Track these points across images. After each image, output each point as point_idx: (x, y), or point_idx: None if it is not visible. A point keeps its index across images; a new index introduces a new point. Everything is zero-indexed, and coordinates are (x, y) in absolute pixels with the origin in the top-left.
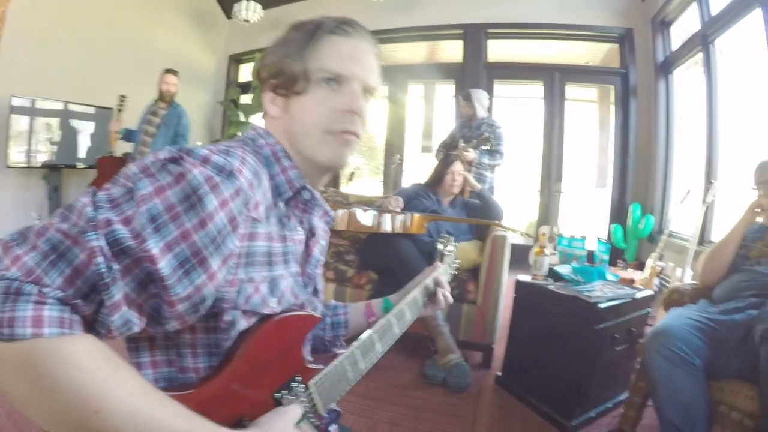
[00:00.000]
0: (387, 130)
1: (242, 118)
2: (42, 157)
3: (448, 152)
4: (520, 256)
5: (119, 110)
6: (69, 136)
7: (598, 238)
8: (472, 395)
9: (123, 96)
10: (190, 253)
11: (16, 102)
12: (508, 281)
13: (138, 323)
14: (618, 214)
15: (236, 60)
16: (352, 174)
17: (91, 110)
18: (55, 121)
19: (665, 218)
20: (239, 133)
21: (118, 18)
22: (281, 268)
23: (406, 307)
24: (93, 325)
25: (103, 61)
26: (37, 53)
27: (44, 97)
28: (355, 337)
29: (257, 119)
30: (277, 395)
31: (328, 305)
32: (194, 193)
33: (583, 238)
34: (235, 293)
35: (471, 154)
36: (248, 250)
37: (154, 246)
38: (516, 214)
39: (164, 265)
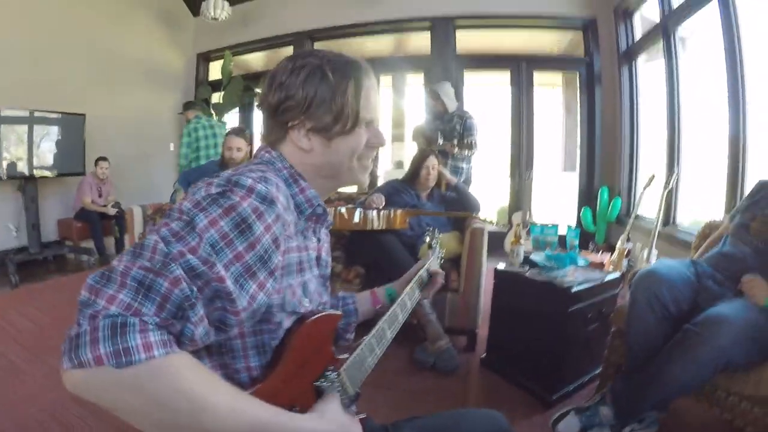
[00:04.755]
0: None
1: (214, 117)
2: (13, 168)
3: (427, 146)
4: (497, 243)
5: None
6: (38, 145)
7: (569, 226)
8: (461, 376)
9: None
10: (244, 270)
11: None
12: (487, 268)
13: (211, 336)
14: (587, 198)
15: (205, 58)
16: None
17: (57, 116)
18: (22, 131)
19: (633, 201)
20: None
21: (81, 21)
22: (308, 273)
23: (406, 298)
24: (180, 340)
25: (66, 65)
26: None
27: (9, 107)
28: (364, 323)
29: (233, 119)
30: (316, 383)
31: (337, 297)
32: (244, 222)
33: (555, 226)
34: (281, 298)
35: (454, 149)
36: (286, 262)
37: (220, 268)
38: (489, 201)
39: (230, 282)
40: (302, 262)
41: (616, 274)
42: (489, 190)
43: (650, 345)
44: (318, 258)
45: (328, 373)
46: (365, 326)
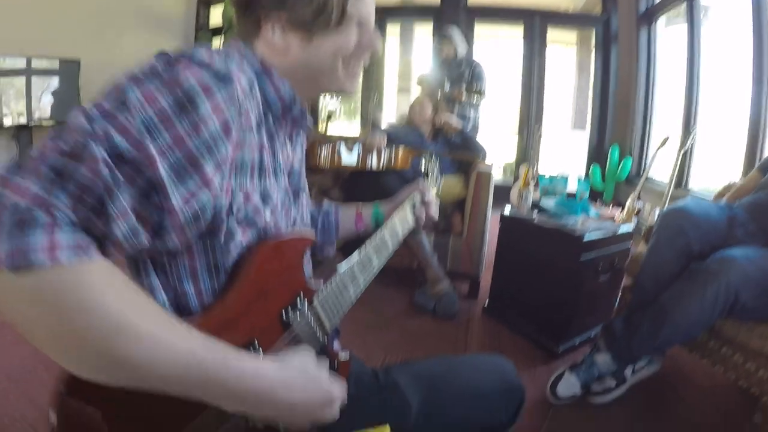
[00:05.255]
0: (363, 71)
1: None
2: (9, 118)
3: (432, 92)
4: (502, 196)
5: None
6: (40, 99)
7: (579, 177)
8: (462, 323)
9: None
10: (185, 158)
11: None
12: (492, 218)
13: (144, 234)
14: (597, 156)
15: (205, 3)
16: (329, 116)
17: (55, 64)
18: (19, 80)
19: (644, 162)
20: None
21: None
22: (272, 181)
23: (397, 224)
24: (104, 245)
25: (58, 8)
26: None
27: (6, 55)
28: (344, 243)
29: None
30: (284, 315)
31: (320, 208)
32: (188, 98)
33: (565, 177)
34: (229, 202)
35: (462, 95)
36: (240, 159)
37: (153, 152)
38: (495, 155)
39: (162, 170)
40: (264, 164)
41: (630, 227)
42: (496, 145)
43: (661, 281)
44: (291, 170)
45: (299, 303)
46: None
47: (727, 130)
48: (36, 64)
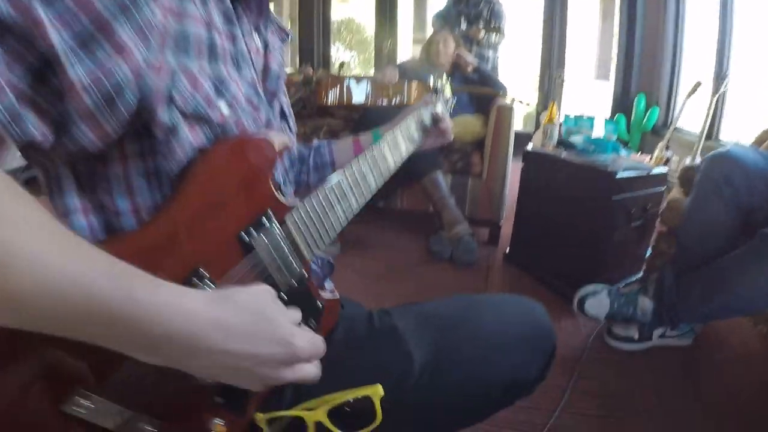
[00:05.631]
0: (375, 21)
1: None
2: None
3: (448, 27)
4: (523, 143)
5: None
6: None
7: (605, 119)
8: (481, 270)
9: None
10: (91, 21)
11: None
12: (512, 166)
13: (37, 127)
14: (621, 105)
15: None
16: (341, 66)
17: None
18: None
19: (672, 112)
20: None
21: None
22: (230, 69)
23: (400, 136)
24: None
25: None
26: None
27: None
28: None
29: None
30: (244, 236)
31: (310, 145)
32: None
33: (591, 118)
34: (167, 85)
35: (480, 33)
36: (178, 31)
37: (43, 16)
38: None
39: (58, 39)
40: (215, 46)
41: (664, 169)
42: (517, 88)
43: (710, 240)
44: (266, 69)
45: (265, 221)
46: None
47: (764, 75)
48: None
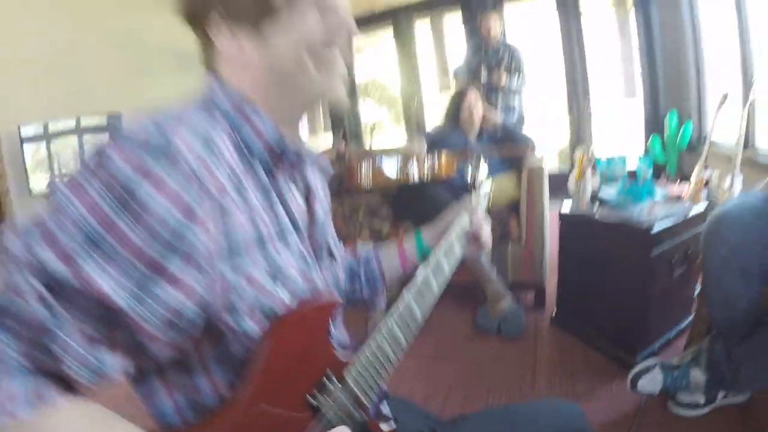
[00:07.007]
0: (400, 75)
1: None
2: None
3: (470, 79)
4: (558, 185)
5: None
6: (88, 153)
7: (639, 156)
8: (529, 339)
9: None
10: (144, 265)
11: (26, 131)
12: (550, 214)
13: (113, 362)
14: (653, 125)
15: None
16: (372, 128)
17: (103, 120)
18: (71, 140)
19: (704, 126)
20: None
21: (101, 17)
22: (279, 247)
23: (443, 259)
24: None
25: (97, 66)
26: (30, 75)
27: (55, 118)
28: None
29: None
30: (311, 400)
31: (359, 258)
32: (127, 191)
33: (623, 158)
34: (226, 294)
35: (503, 79)
36: (227, 239)
37: (92, 270)
38: (547, 141)
39: (112, 289)
40: (262, 235)
41: (702, 207)
42: (546, 130)
43: (736, 314)
44: (311, 222)
45: (327, 383)
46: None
47: None
48: (85, 122)
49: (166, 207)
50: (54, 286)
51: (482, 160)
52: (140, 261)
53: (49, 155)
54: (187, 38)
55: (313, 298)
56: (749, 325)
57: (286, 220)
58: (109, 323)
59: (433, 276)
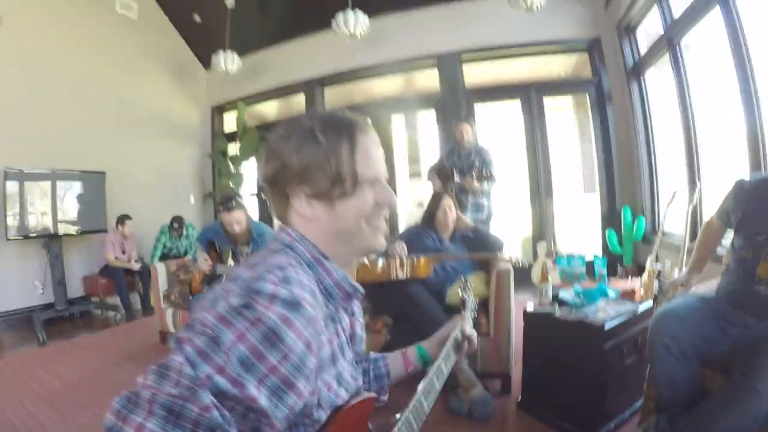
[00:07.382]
0: None
1: (232, 169)
2: (38, 225)
3: (443, 182)
4: (523, 276)
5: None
6: (62, 204)
7: (595, 255)
8: (497, 422)
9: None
10: (281, 382)
11: (6, 173)
12: (516, 305)
13: None
14: (610, 219)
15: (219, 110)
16: None
17: (78, 174)
18: (46, 190)
19: (657, 219)
20: (240, 198)
21: (94, 74)
22: (342, 361)
23: (442, 364)
24: None
25: (84, 121)
26: (14, 125)
27: (33, 167)
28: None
29: (251, 167)
30: None
31: (368, 358)
32: (273, 333)
33: (582, 257)
34: (314, 396)
35: (476, 185)
36: (320, 360)
37: (251, 387)
38: (511, 233)
39: (263, 400)
40: (335, 352)
41: (649, 304)
42: (510, 222)
43: (678, 389)
44: (352, 336)
45: None
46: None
47: (734, 167)
48: (61, 175)
49: (296, 342)
50: (218, 396)
51: (469, 284)
52: (278, 378)
53: (22, 201)
54: (167, 111)
55: (359, 394)
56: (690, 400)
57: (343, 338)
58: (245, 418)
59: (436, 378)
